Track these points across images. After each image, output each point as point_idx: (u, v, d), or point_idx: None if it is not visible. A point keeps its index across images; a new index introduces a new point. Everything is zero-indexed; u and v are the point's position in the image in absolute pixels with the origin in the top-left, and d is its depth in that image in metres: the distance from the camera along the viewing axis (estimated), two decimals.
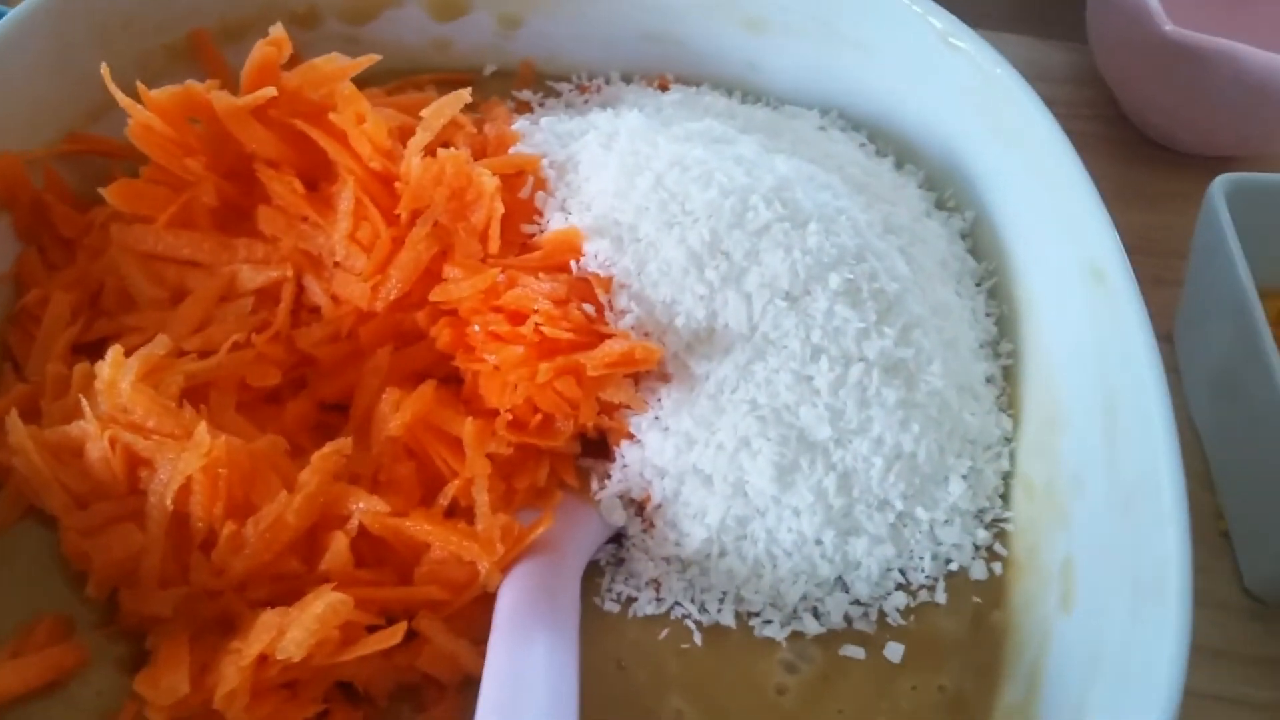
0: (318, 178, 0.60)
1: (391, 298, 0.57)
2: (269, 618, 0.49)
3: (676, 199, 0.58)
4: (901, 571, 0.58)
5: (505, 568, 0.53)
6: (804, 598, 0.57)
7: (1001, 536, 0.59)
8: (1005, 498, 0.60)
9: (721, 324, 0.57)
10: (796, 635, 0.56)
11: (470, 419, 0.55)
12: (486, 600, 0.52)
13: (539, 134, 0.65)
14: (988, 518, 0.59)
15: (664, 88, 0.74)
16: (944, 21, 0.67)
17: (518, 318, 0.55)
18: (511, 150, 0.63)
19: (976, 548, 0.59)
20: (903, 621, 0.57)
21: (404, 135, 0.59)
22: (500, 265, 0.57)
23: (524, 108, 0.74)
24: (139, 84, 0.58)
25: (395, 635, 0.50)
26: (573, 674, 0.49)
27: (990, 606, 0.57)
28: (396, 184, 0.58)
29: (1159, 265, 0.74)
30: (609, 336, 0.56)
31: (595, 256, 0.58)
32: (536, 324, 0.55)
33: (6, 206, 0.61)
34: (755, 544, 0.56)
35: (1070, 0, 0.88)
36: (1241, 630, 0.62)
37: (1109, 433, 0.53)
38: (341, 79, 0.59)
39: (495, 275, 0.56)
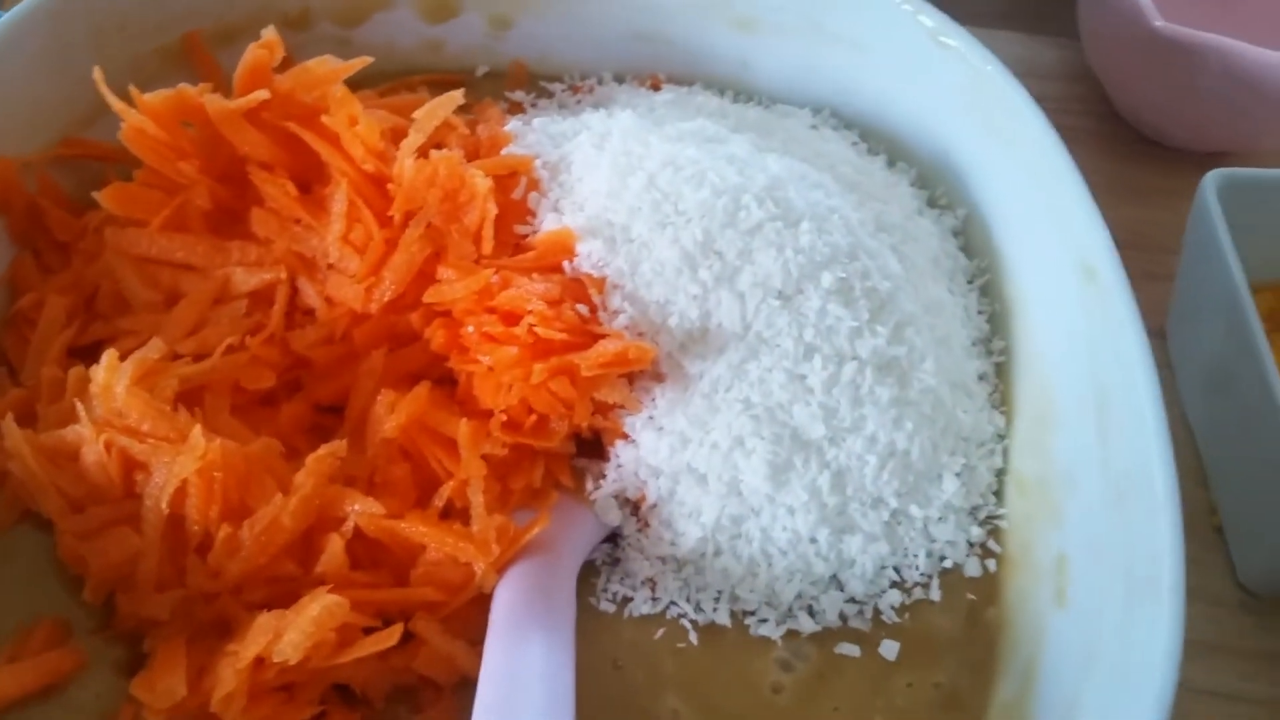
0: (311, 180, 0.60)
1: (385, 299, 0.57)
2: (265, 620, 0.49)
3: (669, 199, 0.58)
4: (896, 569, 0.58)
5: (501, 568, 0.53)
6: (799, 596, 0.57)
7: (995, 533, 0.59)
8: (999, 494, 0.60)
9: (715, 323, 0.57)
10: (792, 634, 0.56)
11: (465, 420, 0.55)
12: (482, 601, 0.52)
13: (531, 135, 0.65)
14: (981, 514, 0.60)
15: (656, 87, 0.74)
16: (934, 19, 0.67)
17: (511, 318, 0.56)
18: (504, 151, 0.63)
19: (970, 545, 0.59)
20: (898, 619, 0.57)
21: (396, 137, 0.59)
22: (494, 266, 0.57)
23: (516, 108, 0.74)
24: (132, 88, 0.58)
25: (391, 637, 0.50)
26: (569, 674, 0.49)
27: (985, 603, 0.57)
28: (389, 186, 0.58)
29: (1151, 261, 0.75)
30: (603, 337, 0.56)
31: (588, 257, 0.58)
32: (530, 325, 0.55)
33: (1, 211, 0.61)
34: (750, 543, 0.57)
35: None
36: (1236, 625, 0.63)
37: (1101, 428, 0.53)
38: (334, 81, 0.59)
39: (489, 276, 0.56)
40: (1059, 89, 0.88)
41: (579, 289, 0.57)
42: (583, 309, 0.56)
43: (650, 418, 0.57)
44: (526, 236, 0.60)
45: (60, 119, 0.64)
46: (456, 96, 0.60)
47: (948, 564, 0.58)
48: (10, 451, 0.52)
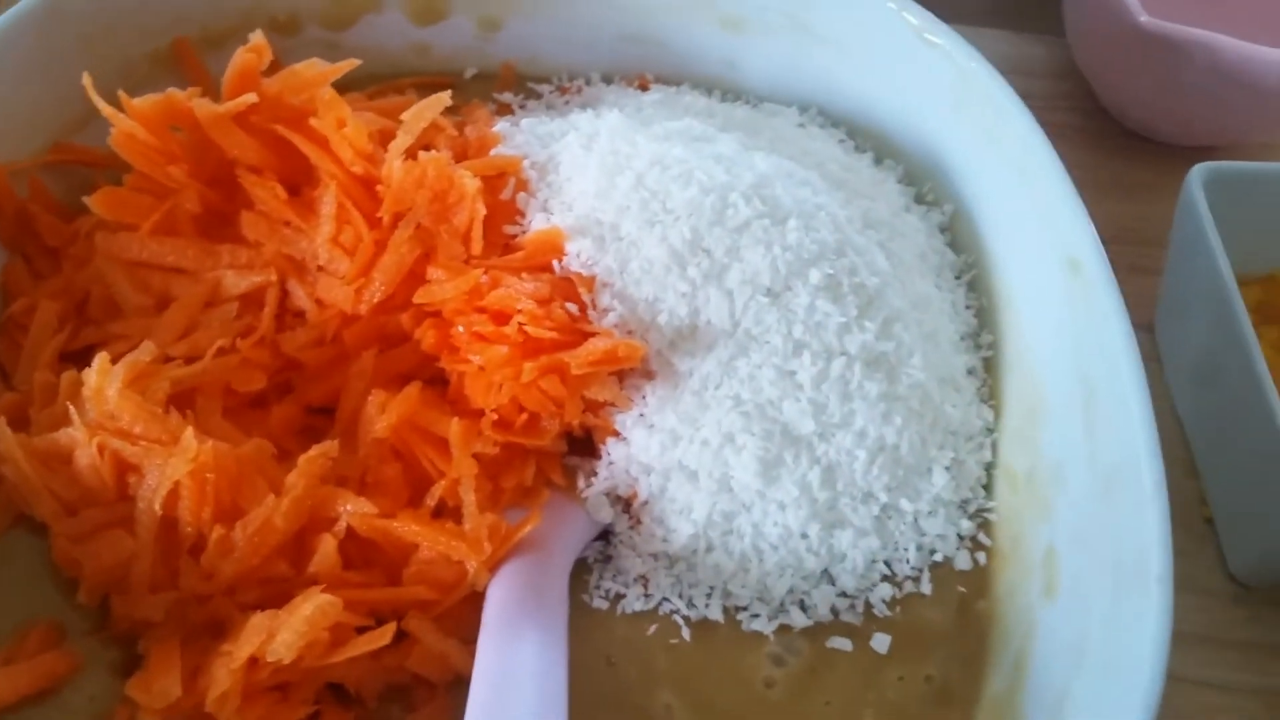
0: (300, 183, 0.60)
1: (375, 300, 0.58)
2: (259, 620, 0.49)
3: (657, 198, 0.58)
4: (887, 563, 0.58)
5: (493, 567, 0.53)
6: (790, 591, 0.57)
7: (985, 526, 0.60)
8: (988, 488, 0.61)
9: (704, 321, 0.57)
10: (784, 628, 0.56)
11: (456, 419, 0.55)
12: (475, 600, 0.53)
13: (520, 135, 0.65)
14: (971, 508, 0.60)
15: (644, 88, 0.75)
16: (919, 17, 0.67)
17: (501, 318, 0.56)
18: (493, 152, 0.63)
19: (960, 538, 0.59)
20: (889, 613, 0.57)
21: (385, 139, 0.59)
22: (483, 266, 0.57)
23: (505, 110, 0.74)
24: (121, 93, 0.58)
25: (385, 636, 0.50)
26: (562, 671, 0.50)
27: (975, 596, 0.58)
28: (378, 187, 0.58)
29: (1138, 255, 0.75)
30: (592, 335, 0.56)
31: (577, 256, 0.58)
32: (520, 324, 0.55)
33: None
34: (741, 538, 0.57)
35: None
36: (1226, 615, 0.63)
37: (1089, 421, 0.54)
38: (322, 84, 0.59)
39: (478, 276, 0.56)
40: (1045, 85, 0.89)
41: (568, 288, 0.57)
42: (572, 308, 0.56)
43: (641, 415, 0.58)
44: (515, 236, 0.60)
45: (50, 124, 0.64)
46: (444, 98, 0.60)
47: (938, 557, 0.59)
48: (4, 455, 0.52)
